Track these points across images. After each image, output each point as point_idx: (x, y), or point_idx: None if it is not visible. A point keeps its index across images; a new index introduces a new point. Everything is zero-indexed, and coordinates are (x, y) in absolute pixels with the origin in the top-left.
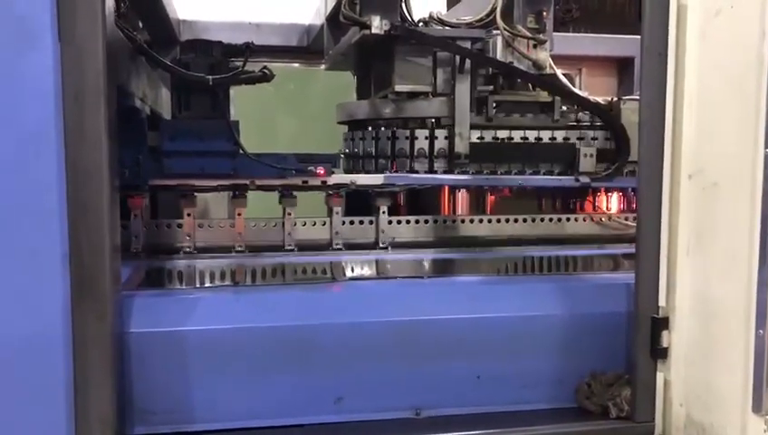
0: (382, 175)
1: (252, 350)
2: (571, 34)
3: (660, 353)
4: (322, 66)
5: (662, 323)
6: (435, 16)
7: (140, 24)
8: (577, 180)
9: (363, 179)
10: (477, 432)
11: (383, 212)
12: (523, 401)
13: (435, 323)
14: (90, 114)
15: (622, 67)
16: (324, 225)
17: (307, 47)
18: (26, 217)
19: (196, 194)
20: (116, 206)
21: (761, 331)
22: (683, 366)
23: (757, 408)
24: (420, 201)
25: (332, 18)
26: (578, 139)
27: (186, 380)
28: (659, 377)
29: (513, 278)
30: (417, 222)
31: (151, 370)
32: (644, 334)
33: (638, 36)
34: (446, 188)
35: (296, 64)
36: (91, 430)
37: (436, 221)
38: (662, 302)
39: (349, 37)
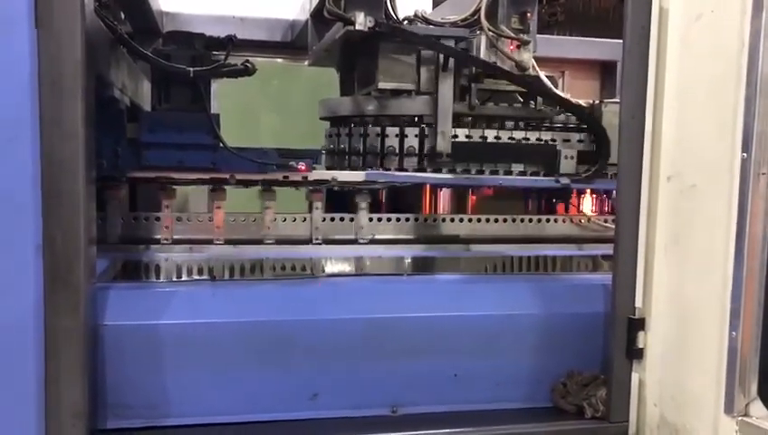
0: (364, 172)
1: (227, 345)
2: (555, 37)
3: (636, 354)
4: (306, 62)
5: (638, 324)
6: (419, 15)
7: (122, 15)
8: (557, 181)
9: (344, 176)
10: (453, 430)
11: (363, 209)
12: (499, 399)
13: (412, 320)
14: (67, 103)
15: (605, 70)
16: (304, 221)
17: (291, 42)
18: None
19: (175, 187)
20: (92, 196)
21: (734, 332)
22: (658, 367)
23: (729, 409)
24: (402, 199)
25: (317, 14)
26: (564, 140)
27: (160, 374)
28: (634, 377)
29: (491, 277)
30: (398, 220)
31: (125, 363)
32: (620, 335)
33: (621, 40)
34: (428, 186)
35: (279, 60)
36: (62, 423)
37: (417, 219)
38: (638, 303)
39: (333, 33)
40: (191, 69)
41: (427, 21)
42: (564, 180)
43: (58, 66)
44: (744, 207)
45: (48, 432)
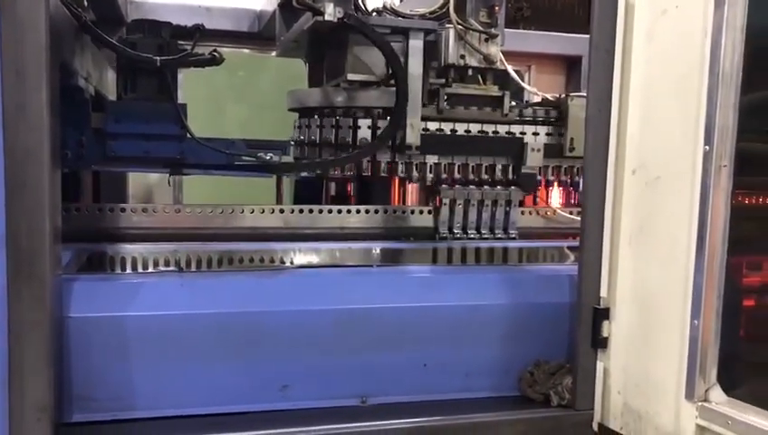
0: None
1: (195, 336)
2: (522, 31)
3: (601, 343)
4: (274, 53)
5: (603, 314)
6: (388, 6)
7: (86, 3)
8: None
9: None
10: (422, 420)
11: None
12: (468, 389)
13: (382, 311)
14: (31, 91)
15: (571, 65)
16: (273, 212)
17: (258, 33)
18: None
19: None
20: (57, 187)
21: (695, 321)
22: (622, 355)
23: (690, 395)
24: (370, 192)
25: (285, 4)
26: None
27: (127, 366)
28: (599, 366)
29: (459, 268)
30: (366, 212)
31: (91, 356)
32: (585, 324)
33: (587, 35)
34: (397, 178)
35: (247, 50)
36: (25, 417)
37: (386, 211)
38: (603, 293)
39: (301, 24)
40: (158, 58)
41: (396, 13)
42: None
43: (21, 54)
44: (706, 198)
45: (12, 426)
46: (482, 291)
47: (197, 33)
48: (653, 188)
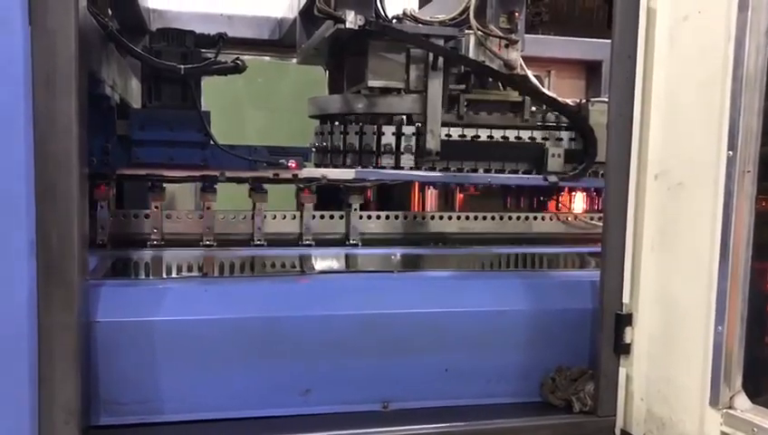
0: (353, 170)
1: (220, 341)
2: (541, 36)
3: (623, 349)
4: (294, 60)
5: (626, 320)
6: (408, 13)
7: (110, 12)
8: (545, 180)
9: (335, 174)
10: (443, 425)
11: (355, 209)
12: (489, 394)
13: (403, 316)
14: (61, 100)
15: (590, 70)
16: (294, 218)
17: (279, 41)
18: None
19: (164, 185)
20: (85, 194)
21: (720, 327)
22: (645, 362)
23: (714, 401)
24: (391, 197)
25: (306, 12)
26: (545, 139)
27: (153, 370)
28: (622, 372)
29: (481, 274)
30: (387, 218)
31: (118, 360)
32: (608, 330)
33: (607, 40)
34: (417, 184)
35: (267, 58)
36: (55, 420)
37: (406, 217)
38: (626, 299)
39: (322, 31)
40: (182, 66)
41: (415, 19)
42: (552, 178)
43: (52, 63)
44: (730, 204)
45: (41, 430)
46: (503, 297)
47: (220, 41)
48: (676, 193)
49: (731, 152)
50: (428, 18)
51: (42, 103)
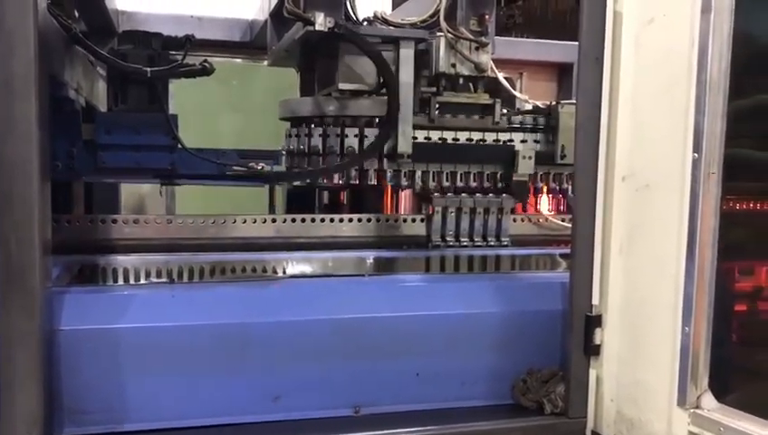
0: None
1: (187, 348)
2: (513, 39)
3: (593, 350)
4: (265, 62)
5: (595, 321)
6: (379, 16)
7: (76, 14)
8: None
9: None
10: (416, 429)
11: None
12: (461, 397)
13: (374, 320)
14: (19, 104)
15: (562, 72)
16: (265, 222)
17: (250, 42)
18: None
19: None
20: (47, 199)
21: (686, 328)
22: (614, 363)
23: (682, 402)
24: (363, 200)
25: (276, 14)
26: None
27: (118, 379)
28: (592, 374)
29: (451, 276)
30: (359, 220)
31: (82, 368)
32: (578, 332)
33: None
34: (389, 188)
35: (239, 60)
36: (15, 430)
37: (378, 220)
38: (595, 300)
39: (292, 33)
40: (149, 69)
41: (386, 22)
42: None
43: (9, 66)
44: (696, 206)
45: None
46: (474, 299)
47: (188, 43)
48: (643, 195)
49: (696, 154)
50: (399, 20)
51: (0, 108)
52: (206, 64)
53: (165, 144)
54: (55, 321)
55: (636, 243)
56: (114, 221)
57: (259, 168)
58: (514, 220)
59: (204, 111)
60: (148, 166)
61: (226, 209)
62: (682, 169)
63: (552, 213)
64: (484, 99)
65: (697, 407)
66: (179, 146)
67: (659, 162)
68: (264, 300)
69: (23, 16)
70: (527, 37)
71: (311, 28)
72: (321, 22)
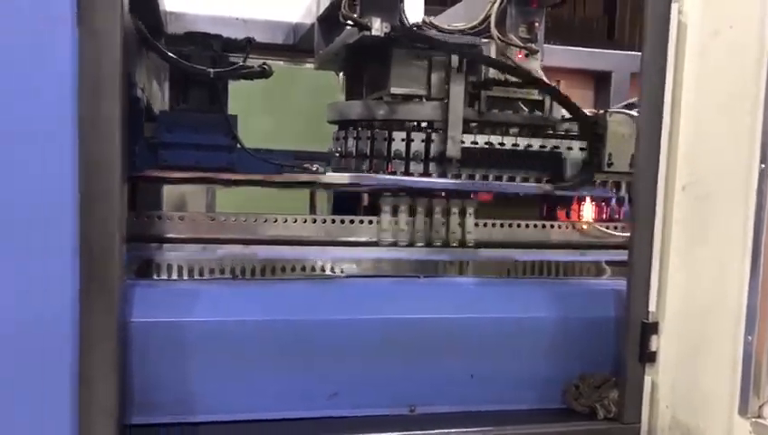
0: (348, 175)
1: (250, 343)
2: (551, 46)
3: (649, 357)
4: (309, 65)
5: (651, 328)
6: (427, 22)
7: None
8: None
9: (330, 178)
10: (469, 430)
11: (385, 212)
12: (513, 400)
13: (430, 321)
14: (106, 104)
15: (599, 81)
16: (315, 223)
17: (293, 45)
18: (39, 205)
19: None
20: (125, 197)
21: (749, 336)
22: (671, 370)
23: (743, 410)
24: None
25: (325, 18)
26: (567, 148)
27: (185, 371)
28: (647, 380)
29: (506, 280)
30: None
31: (152, 360)
32: (633, 338)
33: (615, 51)
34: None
35: (281, 62)
36: (93, 420)
37: (424, 223)
38: (652, 307)
39: (344, 38)
40: (212, 70)
41: (435, 28)
42: (548, 187)
43: (99, 66)
44: (761, 215)
45: (81, 428)
46: (529, 303)
47: (248, 45)
48: (703, 203)
49: (763, 165)
50: (447, 26)
51: (87, 107)
52: (265, 67)
53: (224, 144)
54: (127, 313)
55: (696, 251)
56: (159, 217)
57: (314, 169)
58: (560, 227)
59: (239, 112)
60: (207, 165)
61: (265, 208)
62: (745, 178)
63: (593, 220)
64: (534, 95)
65: (759, 416)
66: (238, 146)
67: (721, 171)
68: (325, 298)
69: (112, 16)
70: (554, 44)
71: (366, 33)
72: (378, 27)
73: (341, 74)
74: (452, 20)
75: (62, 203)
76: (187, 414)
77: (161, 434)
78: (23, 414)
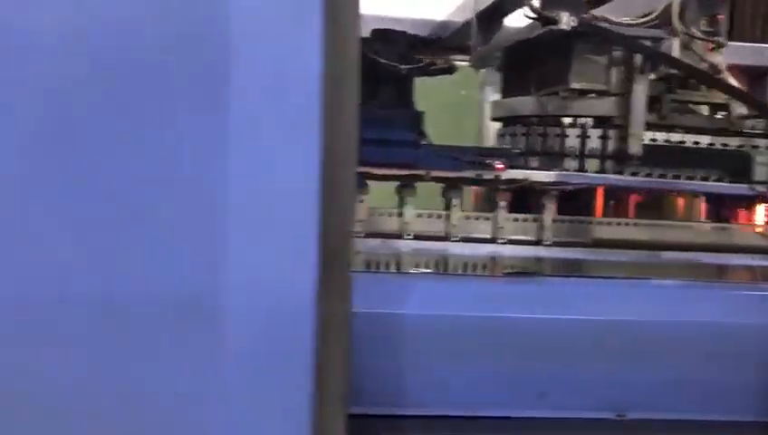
0: (555, 172)
1: (461, 338)
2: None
3: None
4: (465, 63)
5: None
6: (599, 16)
7: None
8: (752, 189)
9: (537, 176)
10: None
11: (549, 210)
12: (730, 411)
13: (640, 324)
14: (346, 98)
15: (754, 78)
16: (487, 220)
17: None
18: (288, 195)
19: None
20: (355, 187)
21: None
22: None
23: None
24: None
25: (483, 15)
26: (752, 147)
27: (396, 363)
28: None
29: (709, 284)
30: (570, 222)
31: (366, 350)
32: None
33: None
34: (601, 190)
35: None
36: (327, 407)
37: (590, 223)
38: None
39: (514, 34)
40: (403, 66)
41: (610, 22)
42: (761, 188)
43: (341, 62)
44: None
45: (315, 416)
46: (739, 308)
47: (436, 44)
48: None
49: None
50: (625, 20)
51: (330, 102)
52: (451, 64)
53: (411, 140)
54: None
55: None
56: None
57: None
58: (739, 229)
59: None
60: (393, 161)
61: (389, 203)
62: None
63: None
64: (718, 97)
65: None
66: (424, 142)
67: None
68: (538, 297)
69: (353, 12)
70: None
71: (553, 27)
72: (566, 21)
73: (482, 71)
74: (612, 14)
75: (309, 192)
76: (395, 407)
77: (372, 424)
78: (266, 395)
